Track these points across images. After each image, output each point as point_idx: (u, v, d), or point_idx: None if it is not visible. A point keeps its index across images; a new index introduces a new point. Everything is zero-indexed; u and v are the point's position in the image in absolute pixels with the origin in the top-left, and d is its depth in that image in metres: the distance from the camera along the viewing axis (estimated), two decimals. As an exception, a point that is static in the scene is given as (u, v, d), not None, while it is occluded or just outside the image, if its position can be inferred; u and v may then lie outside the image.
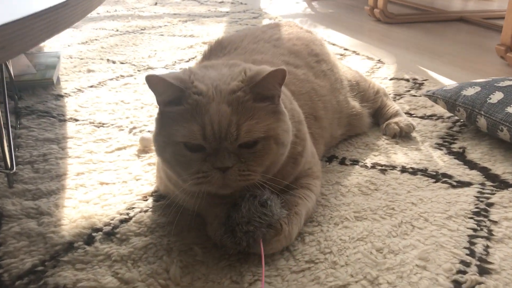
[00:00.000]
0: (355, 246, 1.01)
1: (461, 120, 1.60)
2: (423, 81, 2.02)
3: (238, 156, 0.91)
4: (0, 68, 1.45)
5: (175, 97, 0.93)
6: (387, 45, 2.74)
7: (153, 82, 0.92)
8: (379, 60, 2.34)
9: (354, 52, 2.49)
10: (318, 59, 1.42)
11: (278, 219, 0.97)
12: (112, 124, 1.58)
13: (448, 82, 2.06)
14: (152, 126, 1.56)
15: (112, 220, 1.09)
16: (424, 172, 1.31)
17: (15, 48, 0.50)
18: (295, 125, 1.07)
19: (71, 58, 2.28)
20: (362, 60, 2.35)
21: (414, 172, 1.32)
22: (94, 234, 1.04)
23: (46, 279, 0.91)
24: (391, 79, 2.06)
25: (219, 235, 0.96)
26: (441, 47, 2.75)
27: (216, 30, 2.95)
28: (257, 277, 0.93)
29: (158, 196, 1.19)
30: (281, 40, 1.43)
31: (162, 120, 0.96)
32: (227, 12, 3.56)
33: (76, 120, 1.61)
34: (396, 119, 1.53)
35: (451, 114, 1.64)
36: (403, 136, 1.50)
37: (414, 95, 1.87)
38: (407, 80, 2.04)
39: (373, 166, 1.35)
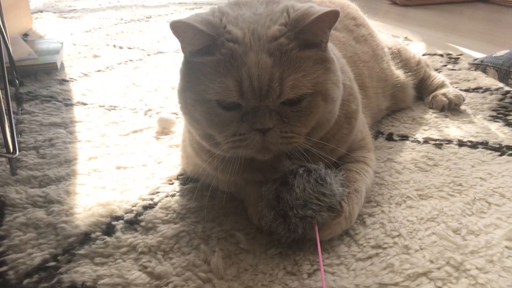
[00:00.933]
0: (427, 227, 0.85)
1: (513, 91, 1.44)
2: (459, 56, 1.86)
3: (280, 115, 0.75)
4: (0, 52, 1.29)
5: (206, 46, 0.77)
6: (408, 25, 2.58)
7: (179, 29, 0.76)
8: (405, 38, 2.18)
9: (378, 31, 2.33)
10: (357, 23, 1.26)
11: (340, 199, 0.80)
12: (125, 107, 1.42)
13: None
14: (170, 108, 1.40)
15: (134, 206, 0.93)
16: (485, 145, 1.15)
17: None
18: (348, 81, 0.92)
19: (75, 45, 2.11)
20: (388, 38, 2.18)
21: (473, 145, 1.15)
22: (114, 222, 0.88)
23: (60, 276, 0.75)
24: (424, 55, 1.89)
25: (268, 221, 0.77)
26: (464, 25, 2.59)
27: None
28: (316, 266, 0.76)
29: (185, 179, 1.02)
30: (312, 3, 1.26)
31: (189, 72, 0.80)
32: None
33: (84, 104, 1.45)
34: (443, 90, 1.36)
35: (499, 86, 1.48)
36: (452, 108, 1.34)
37: (453, 69, 1.70)
38: (441, 55, 1.88)
39: (426, 141, 1.18)
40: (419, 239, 0.82)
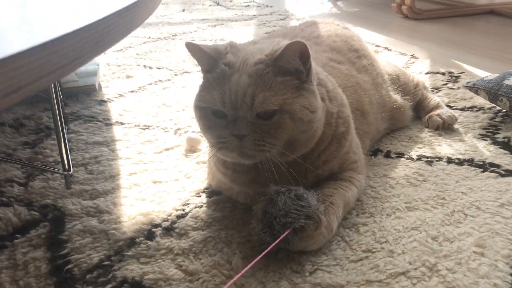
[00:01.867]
0: (410, 235, 1.02)
1: (503, 110, 1.60)
2: (460, 74, 2.01)
3: (255, 126, 0.94)
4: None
5: (211, 66, 0.99)
6: (417, 41, 2.74)
7: (191, 49, 1.00)
8: (412, 55, 2.34)
9: (386, 48, 2.50)
10: (359, 55, 1.44)
11: (315, 210, 0.95)
12: (157, 126, 1.62)
13: (485, 74, 2.05)
14: (196, 127, 1.60)
15: (169, 216, 1.12)
16: (470, 162, 1.32)
17: (106, 43, 0.53)
18: (338, 107, 1.10)
19: (109, 65, 2.34)
20: (395, 56, 2.35)
21: (460, 162, 1.32)
22: (154, 229, 1.08)
23: (114, 272, 0.95)
24: (426, 73, 2.06)
25: (257, 232, 0.94)
26: (473, 40, 2.73)
27: (245, 33, 2.98)
28: (317, 266, 0.95)
29: (211, 192, 1.22)
30: (321, 38, 1.45)
31: (200, 86, 1.03)
32: (254, 15, 3.60)
33: (122, 123, 1.66)
34: (438, 111, 1.53)
35: (492, 105, 1.64)
36: (445, 128, 1.51)
37: (452, 88, 1.86)
38: (443, 73, 2.04)
39: (419, 158, 1.36)
40: (403, 244, 1.00)
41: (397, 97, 1.48)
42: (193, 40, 2.83)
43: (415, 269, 0.93)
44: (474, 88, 1.59)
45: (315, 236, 0.96)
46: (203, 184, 1.26)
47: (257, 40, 1.17)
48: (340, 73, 1.29)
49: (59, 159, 1.33)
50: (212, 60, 0.99)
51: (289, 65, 0.96)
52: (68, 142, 1.50)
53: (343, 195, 1.07)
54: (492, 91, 1.52)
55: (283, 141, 0.97)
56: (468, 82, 1.63)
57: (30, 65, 0.36)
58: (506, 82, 1.50)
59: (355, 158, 1.16)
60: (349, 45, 1.45)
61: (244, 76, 0.94)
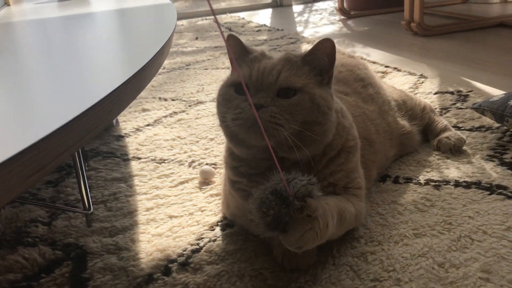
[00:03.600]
0: (417, 262, 1.05)
1: (511, 130, 1.61)
2: (468, 93, 2.03)
3: (274, 102, 0.99)
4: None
5: (241, 54, 1.11)
6: (427, 58, 2.77)
7: (231, 40, 1.11)
8: (421, 75, 2.37)
9: (395, 68, 2.53)
10: (365, 84, 1.48)
11: (315, 181, 0.92)
12: (172, 160, 1.69)
13: (493, 91, 2.07)
14: (210, 159, 1.66)
15: (184, 251, 1.17)
16: (478, 185, 1.34)
17: (115, 111, 0.59)
18: (347, 124, 1.15)
19: (126, 99, 2.42)
20: (404, 76, 2.38)
21: (468, 185, 1.34)
22: (170, 265, 1.13)
23: (133, 309, 1.00)
24: (435, 93, 2.08)
25: (260, 194, 0.88)
26: (482, 55, 2.75)
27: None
28: (326, 298, 0.98)
29: (224, 225, 1.27)
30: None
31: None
32: (265, 39, 3.67)
33: (139, 158, 1.73)
34: (446, 134, 1.56)
35: (500, 124, 1.65)
36: (455, 150, 1.53)
37: (461, 108, 1.89)
38: (452, 93, 2.07)
39: (427, 182, 1.38)
40: (410, 272, 1.02)
41: (404, 123, 1.51)
42: (205, 69, 2.91)
43: (422, 297, 0.96)
44: (480, 109, 1.61)
45: (312, 221, 0.88)
46: (216, 217, 1.31)
47: None
48: (348, 104, 1.33)
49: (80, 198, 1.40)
50: (244, 50, 1.11)
51: (316, 61, 1.05)
52: (88, 180, 1.57)
53: (338, 203, 1.04)
54: (497, 112, 1.55)
55: (297, 122, 0.98)
56: (474, 104, 1.66)
57: (49, 148, 0.41)
58: (511, 102, 1.52)
59: (360, 184, 1.17)
60: (354, 75, 1.50)
61: (274, 60, 1.06)
